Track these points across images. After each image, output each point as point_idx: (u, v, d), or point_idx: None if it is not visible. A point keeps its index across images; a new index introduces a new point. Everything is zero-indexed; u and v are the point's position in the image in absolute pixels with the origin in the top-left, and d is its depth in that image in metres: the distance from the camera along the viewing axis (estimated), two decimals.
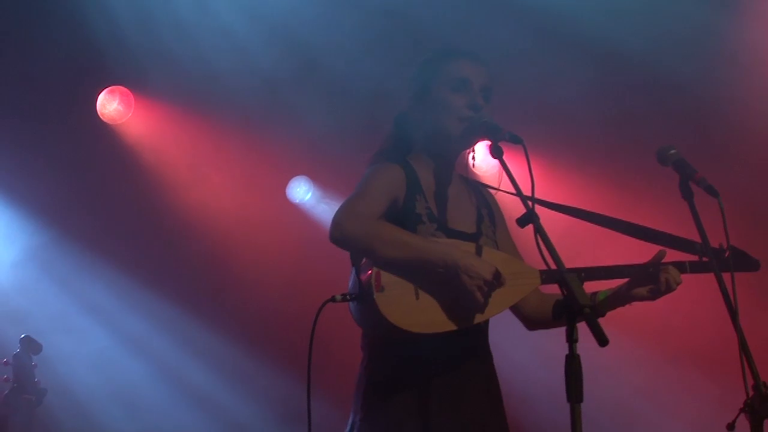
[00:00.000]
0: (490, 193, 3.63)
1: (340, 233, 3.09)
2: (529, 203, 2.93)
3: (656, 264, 3.40)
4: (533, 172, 2.97)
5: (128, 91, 7.06)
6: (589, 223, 3.63)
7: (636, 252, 3.64)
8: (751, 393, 2.88)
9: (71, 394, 6.79)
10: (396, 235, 3.11)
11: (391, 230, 3.13)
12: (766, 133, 6.57)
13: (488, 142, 3.20)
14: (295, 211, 7.60)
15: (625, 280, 3.45)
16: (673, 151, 3.29)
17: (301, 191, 7.68)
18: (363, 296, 3.07)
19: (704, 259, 3.45)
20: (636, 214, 3.96)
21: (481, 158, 3.57)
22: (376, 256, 3.07)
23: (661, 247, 3.45)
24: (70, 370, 6.81)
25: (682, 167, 3.25)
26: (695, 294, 4.21)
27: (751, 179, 6.48)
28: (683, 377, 6.84)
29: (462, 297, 3.10)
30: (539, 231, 2.84)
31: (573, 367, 2.62)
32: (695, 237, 3.33)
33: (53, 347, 6.15)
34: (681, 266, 3.44)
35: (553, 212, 3.55)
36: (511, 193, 3.12)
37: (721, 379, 6.03)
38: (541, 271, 3.27)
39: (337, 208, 3.17)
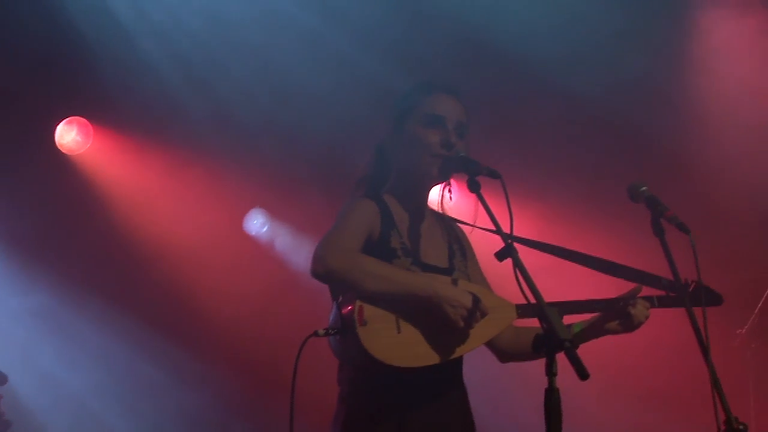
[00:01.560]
0: (461, 228, 3.65)
1: (323, 268, 3.10)
2: (507, 237, 2.97)
3: (626, 298, 3.46)
4: (509, 207, 3.02)
5: (87, 122, 7.01)
6: (557, 258, 3.67)
7: (604, 287, 3.70)
8: (722, 428, 2.91)
9: (36, 425, 6.71)
10: (379, 268, 3.14)
11: (374, 264, 3.15)
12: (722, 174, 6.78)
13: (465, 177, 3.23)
14: (252, 243, 7.59)
15: (597, 314, 3.50)
16: (644, 188, 3.32)
17: (258, 223, 7.67)
18: (345, 330, 3.07)
19: (671, 294, 3.52)
20: (602, 247, 4.02)
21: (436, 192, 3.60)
22: (360, 290, 3.08)
23: (631, 283, 3.51)
24: (35, 401, 6.73)
25: (653, 204, 3.28)
26: (665, 329, 4.26)
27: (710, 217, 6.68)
28: (655, 413, 6.93)
29: (444, 327, 3.13)
30: (518, 265, 2.87)
31: (552, 400, 2.63)
32: (664, 271, 3.38)
33: (18, 378, 6.08)
34: (649, 301, 3.50)
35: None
36: (488, 229, 3.16)
37: (694, 415, 6.11)
38: (518, 306, 3.31)
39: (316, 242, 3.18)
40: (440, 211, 3.58)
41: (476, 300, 3.16)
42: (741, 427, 2.87)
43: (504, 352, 3.58)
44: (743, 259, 6.95)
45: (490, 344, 3.53)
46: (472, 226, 3.53)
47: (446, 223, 3.60)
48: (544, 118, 6.99)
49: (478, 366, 3.87)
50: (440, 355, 3.15)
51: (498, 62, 6.85)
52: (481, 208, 3.13)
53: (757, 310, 6.61)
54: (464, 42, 6.87)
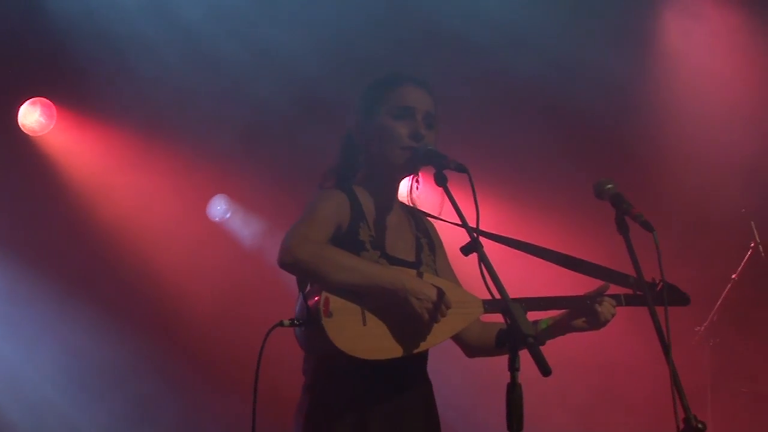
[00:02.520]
0: (430, 221, 3.65)
1: (291, 258, 3.08)
2: (473, 232, 2.97)
3: (593, 296, 3.48)
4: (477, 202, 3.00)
5: (50, 103, 6.92)
6: (524, 254, 3.68)
7: (572, 284, 3.71)
8: (681, 426, 2.93)
9: None
10: (346, 260, 3.13)
11: (341, 255, 3.14)
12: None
13: (432, 170, 3.23)
14: (216, 228, 7.55)
15: (563, 311, 3.51)
16: (609, 186, 3.32)
17: (221, 209, 7.63)
18: (311, 321, 3.07)
19: (638, 292, 3.53)
20: (573, 246, 4.03)
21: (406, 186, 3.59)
22: (326, 281, 3.09)
23: (598, 280, 3.53)
24: None
25: (618, 202, 3.28)
26: (629, 327, 4.29)
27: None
28: (616, 412, 6.98)
29: (410, 320, 3.14)
30: (483, 260, 2.87)
31: (514, 396, 2.64)
32: (630, 270, 3.39)
33: None
34: (616, 299, 3.52)
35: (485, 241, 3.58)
36: (454, 223, 3.16)
37: (654, 413, 6.17)
38: (484, 301, 3.31)
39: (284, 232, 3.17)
40: (409, 203, 3.57)
41: (441, 293, 3.16)
42: (700, 425, 2.88)
43: (471, 347, 3.60)
44: (703, 256, 7.00)
45: (457, 339, 3.55)
46: (441, 219, 3.53)
47: (415, 216, 3.60)
48: (508, 109, 7.03)
49: (443, 360, 3.87)
50: (405, 348, 3.16)
51: (450, 46, 6.85)
52: (447, 201, 3.13)
53: (716, 308, 6.67)
54: (415, 23, 6.87)
